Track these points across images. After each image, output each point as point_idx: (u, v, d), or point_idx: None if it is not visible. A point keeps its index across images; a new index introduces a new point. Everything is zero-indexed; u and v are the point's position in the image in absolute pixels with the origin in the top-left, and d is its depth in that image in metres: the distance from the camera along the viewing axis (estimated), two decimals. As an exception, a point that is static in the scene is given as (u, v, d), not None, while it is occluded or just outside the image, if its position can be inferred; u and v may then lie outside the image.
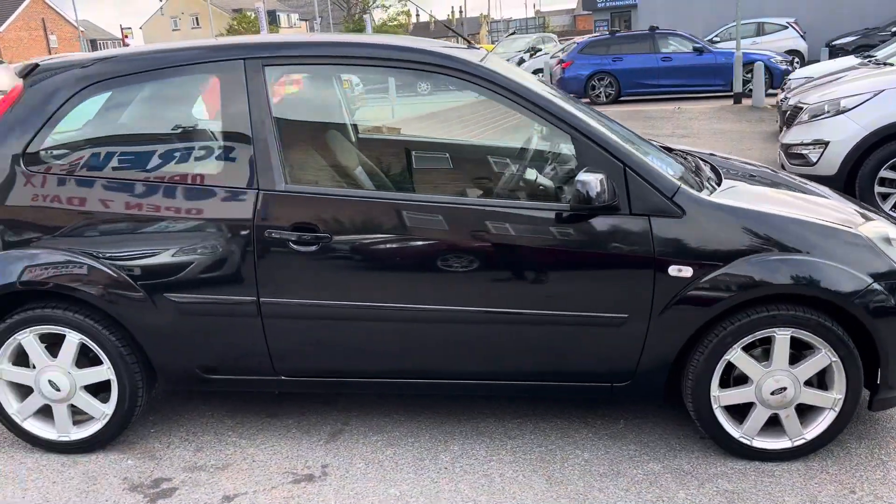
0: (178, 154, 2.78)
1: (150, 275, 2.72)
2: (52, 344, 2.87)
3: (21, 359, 2.91)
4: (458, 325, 2.69)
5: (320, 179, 2.99)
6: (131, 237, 2.72)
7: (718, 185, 2.86)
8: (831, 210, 2.85)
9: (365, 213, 2.66)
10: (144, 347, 2.82)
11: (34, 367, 2.86)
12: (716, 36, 20.98)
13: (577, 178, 2.49)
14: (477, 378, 2.82)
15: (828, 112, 6.03)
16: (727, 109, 13.59)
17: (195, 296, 2.73)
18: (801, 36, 20.20)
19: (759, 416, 2.70)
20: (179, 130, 2.86)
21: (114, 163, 2.77)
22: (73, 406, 2.91)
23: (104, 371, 2.84)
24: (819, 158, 5.94)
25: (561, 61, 17.12)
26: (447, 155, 3.55)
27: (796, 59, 16.60)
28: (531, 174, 2.98)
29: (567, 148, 3.09)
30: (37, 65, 2.82)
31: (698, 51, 15.70)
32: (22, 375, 2.87)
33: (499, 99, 2.67)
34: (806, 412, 2.73)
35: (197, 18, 78.89)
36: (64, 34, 54.19)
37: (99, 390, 2.93)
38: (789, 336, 2.61)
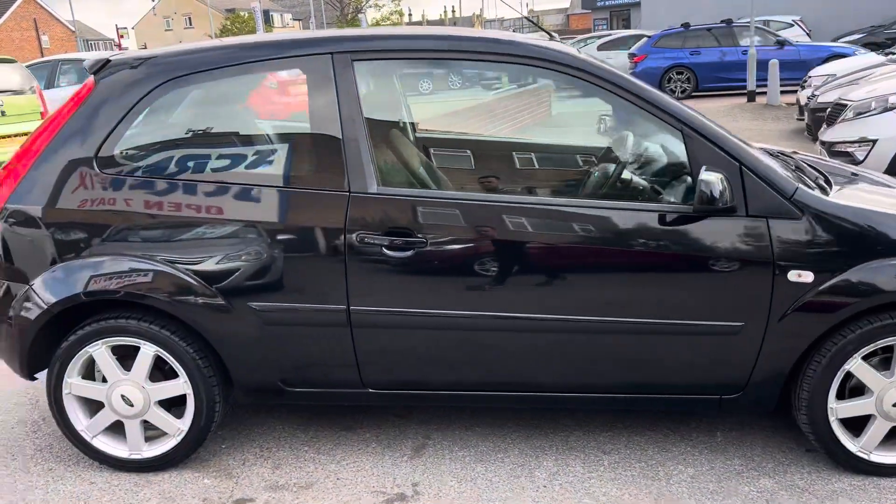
0: (262, 155, 2.61)
1: (233, 283, 2.56)
2: (122, 356, 2.70)
3: (88, 372, 2.74)
4: (563, 334, 2.54)
5: (409, 181, 2.83)
6: (212, 243, 2.55)
7: (828, 184, 2.72)
8: None
9: (462, 217, 2.50)
10: (224, 359, 2.65)
11: (105, 381, 2.70)
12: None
13: (700, 177, 2.34)
14: (579, 391, 2.66)
15: (875, 109, 5.92)
16: (742, 108, 13.50)
17: (280, 304, 2.57)
18: (807, 34, 20.15)
19: (878, 429, 2.56)
20: (263, 130, 2.70)
21: (193, 165, 2.60)
22: (145, 422, 2.74)
23: (180, 385, 2.67)
24: (866, 156, 5.82)
25: (633, 55, 16.52)
26: (533, 155, 3.39)
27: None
28: (626, 174, 2.84)
29: (654, 148, 2.95)
30: (108, 60, 2.65)
31: (780, 44, 15.03)
32: (93, 390, 2.70)
33: (610, 97, 2.52)
34: (926, 424, 2.59)
35: (190, 18, 78.48)
36: (56, 34, 53.83)
37: (171, 405, 2.77)
38: (914, 344, 2.47)
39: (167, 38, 77.88)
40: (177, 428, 2.72)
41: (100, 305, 2.69)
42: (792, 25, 20.42)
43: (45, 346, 2.72)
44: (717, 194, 2.32)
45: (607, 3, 33.17)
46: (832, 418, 2.56)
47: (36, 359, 2.74)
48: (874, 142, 5.78)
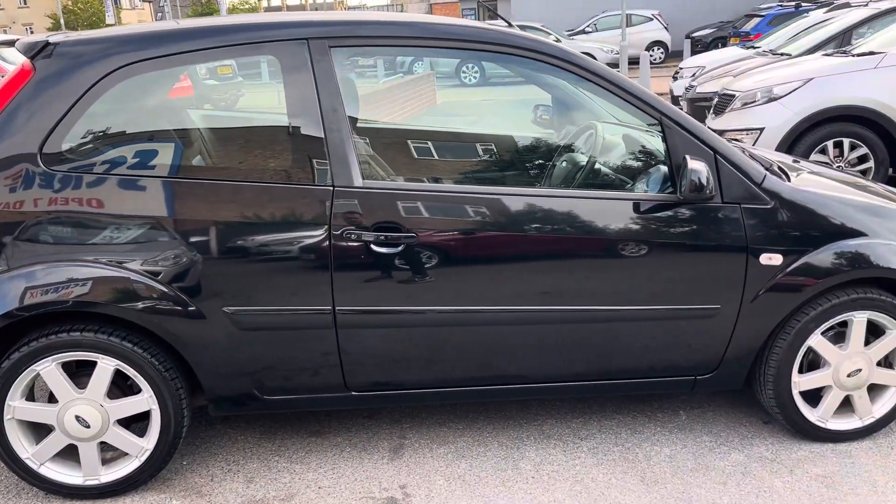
0: (233, 148, 2.42)
1: (206, 286, 2.36)
2: (70, 374, 2.44)
3: (29, 394, 2.45)
4: (547, 325, 2.54)
5: (392, 174, 2.72)
6: (180, 245, 2.34)
7: (782, 172, 2.87)
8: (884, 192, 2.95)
9: (454, 210, 2.44)
10: (195, 369, 2.45)
11: (55, 401, 2.42)
12: (587, 26, 21.79)
13: (688, 166, 2.40)
14: (560, 380, 2.67)
15: (760, 99, 6.34)
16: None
17: (258, 307, 2.40)
18: (665, 28, 21.37)
19: (834, 399, 2.75)
20: (234, 121, 2.49)
21: (155, 159, 2.37)
22: (103, 443, 2.49)
23: (144, 400, 2.44)
24: (754, 143, 6.23)
25: (748, 34, 16.47)
26: (493, 146, 3.35)
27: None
28: (598, 165, 2.87)
29: (616, 139, 3.00)
30: (48, 42, 2.35)
31: None
32: (42, 413, 2.41)
33: (590, 86, 2.54)
34: (873, 391, 2.81)
35: (24, -3, 72.05)
36: None
37: (130, 422, 2.54)
38: (866, 319, 2.67)
39: (-2, 17, 71.14)
40: (140, 447, 2.49)
41: (44, 318, 2.40)
42: (651, 19, 21.58)
43: (-22, 366, 2.41)
44: (705, 181, 2.39)
45: (474, -8, 33.67)
46: (795, 391, 2.72)
47: (-33, 381, 2.41)
48: (761, 130, 6.20)
